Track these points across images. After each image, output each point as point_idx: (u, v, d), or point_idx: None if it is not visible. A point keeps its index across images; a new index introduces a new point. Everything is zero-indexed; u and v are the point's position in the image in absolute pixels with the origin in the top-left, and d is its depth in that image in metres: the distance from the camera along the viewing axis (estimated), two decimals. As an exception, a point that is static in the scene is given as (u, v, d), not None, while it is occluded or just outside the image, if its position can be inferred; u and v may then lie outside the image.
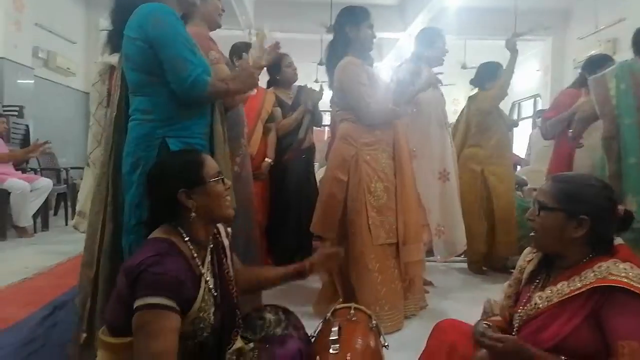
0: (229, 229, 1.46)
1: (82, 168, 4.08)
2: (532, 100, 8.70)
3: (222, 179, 1.31)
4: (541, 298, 1.24)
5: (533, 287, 1.31)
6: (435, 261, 3.38)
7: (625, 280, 1.11)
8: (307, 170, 3.41)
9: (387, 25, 7.55)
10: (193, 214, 1.24)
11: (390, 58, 9.05)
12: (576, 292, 1.16)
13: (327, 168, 2.40)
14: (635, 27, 2.35)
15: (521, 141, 6.22)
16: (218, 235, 1.39)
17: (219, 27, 2.12)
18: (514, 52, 3.17)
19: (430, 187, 2.80)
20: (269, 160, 3.06)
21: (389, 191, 2.25)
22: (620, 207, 1.25)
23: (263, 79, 3.04)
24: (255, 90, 2.87)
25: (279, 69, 3.27)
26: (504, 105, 4.34)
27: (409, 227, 2.30)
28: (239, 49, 2.97)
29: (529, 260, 1.38)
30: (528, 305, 1.27)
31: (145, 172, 1.39)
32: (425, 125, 2.82)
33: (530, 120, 6.79)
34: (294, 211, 3.17)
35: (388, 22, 7.61)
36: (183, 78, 1.43)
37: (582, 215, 1.19)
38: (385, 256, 2.24)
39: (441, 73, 2.63)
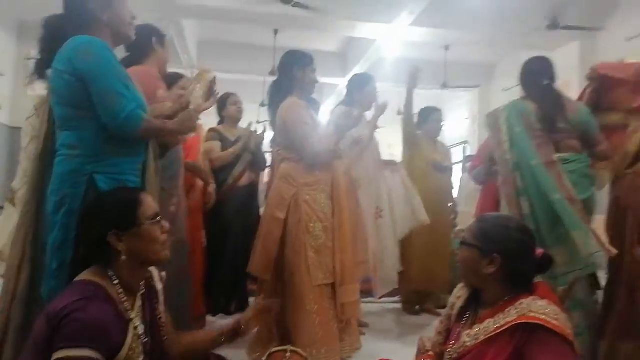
0: (163, 273, 1.41)
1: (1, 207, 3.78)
2: (462, 146, 9.26)
3: (160, 221, 1.27)
4: (469, 336, 1.29)
5: (462, 323, 1.36)
6: (370, 302, 3.40)
7: (544, 317, 1.17)
8: (246, 209, 3.37)
9: (328, 71, 7.84)
10: (123, 257, 1.18)
11: (331, 102, 9.36)
12: (500, 330, 1.22)
13: (265, 207, 2.40)
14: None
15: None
16: (151, 280, 1.33)
17: (166, 73, 2.23)
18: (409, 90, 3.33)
19: (367, 224, 2.87)
20: (213, 185, 2.99)
21: (327, 231, 2.27)
22: (539, 250, 1.34)
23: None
24: (195, 132, 2.85)
25: (224, 106, 3.29)
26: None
27: (346, 268, 2.31)
28: (169, 79, 2.95)
29: (459, 297, 1.44)
30: (457, 343, 1.31)
31: (70, 211, 1.32)
32: (363, 165, 2.93)
33: (461, 165, 7.17)
34: (229, 252, 3.10)
35: (329, 68, 7.90)
36: (116, 112, 1.38)
37: (494, 253, 1.28)
38: (323, 297, 2.23)
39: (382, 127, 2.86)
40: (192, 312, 2.55)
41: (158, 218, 1.26)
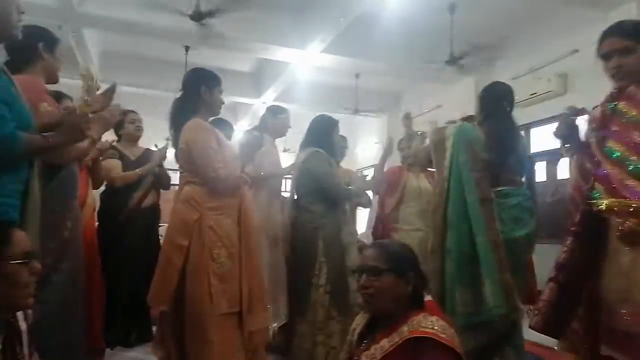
0: (29, 311, 1.25)
1: None
2: (372, 169, 9.65)
3: (31, 262, 1.11)
4: (367, 356, 1.33)
5: (362, 347, 1.39)
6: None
7: (432, 331, 1.25)
8: (149, 231, 3.19)
9: (242, 90, 7.80)
10: None
11: (245, 122, 9.29)
12: (395, 346, 1.27)
13: (166, 232, 2.26)
14: (450, 116, 2.68)
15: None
16: (12, 320, 1.18)
17: (56, 83, 2.00)
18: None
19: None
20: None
21: (233, 258, 2.19)
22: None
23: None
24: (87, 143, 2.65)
25: (122, 125, 3.13)
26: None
27: (254, 294, 2.25)
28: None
29: (358, 324, 1.48)
30: (358, 365, 1.33)
31: None
32: (264, 193, 3.02)
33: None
34: (130, 278, 2.90)
35: (243, 88, 7.87)
36: None
37: (409, 272, 1.35)
38: (226, 326, 2.13)
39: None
40: (87, 346, 2.32)
41: (26, 260, 1.10)
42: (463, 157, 2.18)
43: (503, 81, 2.57)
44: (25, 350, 1.17)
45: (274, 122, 3.22)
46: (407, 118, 3.23)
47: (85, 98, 1.57)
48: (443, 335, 1.24)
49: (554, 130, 1.79)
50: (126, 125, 3.16)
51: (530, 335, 2.35)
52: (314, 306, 2.63)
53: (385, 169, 3.24)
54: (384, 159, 3.15)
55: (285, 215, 3.07)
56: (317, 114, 3.05)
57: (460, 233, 2.14)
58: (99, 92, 2.01)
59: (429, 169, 3.33)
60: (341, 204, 2.81)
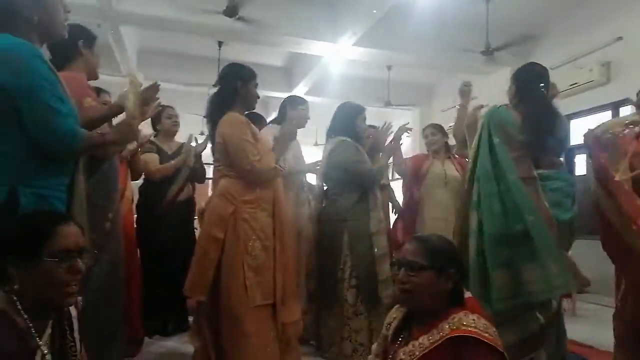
0: (80, 298, 1.30)
1: None
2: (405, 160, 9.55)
3: (73, 260, 1.11)
4: (405, 353, 1.30)
5: (398, 343, 1.37)
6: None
7: (474, 329, 1.22)
8: (185, 224, 3.27)
9: (273, 85, 7.83)
10: (16, 287, 1.07)
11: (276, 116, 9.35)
12: (435, 344, 1.24)
13: (203, 225, 2.30)
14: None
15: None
16: None
17: (96, 79, 2.11)
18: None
19: None
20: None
21: (268, 250, 2.22)
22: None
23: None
24: (135, 143, 2.74)
25: (160, 120, 3.21)
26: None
27: (287, 287, 2.27)
28: None
29: (395, 317, 1.45)
30: (394, 361, 1.32)
31: None
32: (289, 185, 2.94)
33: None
34: (167, 270, 2.98)
35: (275, 82, 7.89)
36: (51, 131, 1.27)
37: (450, 269, 1.31)
38: (261, 318, 2.16)
39: None
40: (126, 336, 2.40)
41: (68, 258, 1.10)
42: (497, 139, 2.10)
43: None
44: (76, 335, 1.22)
45: (293, 113, 3.12)
46: (467, 86, 2.76)
47: (134, 103, 1.62)
48: (486, 334, 1.21)
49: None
50: (164, 121, 3.23)
51: (572, 334, 2.28)
52: (340, 301, 2.63)
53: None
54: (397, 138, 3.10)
55: (311, 207, 3.08)
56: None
57: (491, 214, 2.05)
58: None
59: (456, 156, 3.28)
60: (374, 189, 2.78)
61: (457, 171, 3.16)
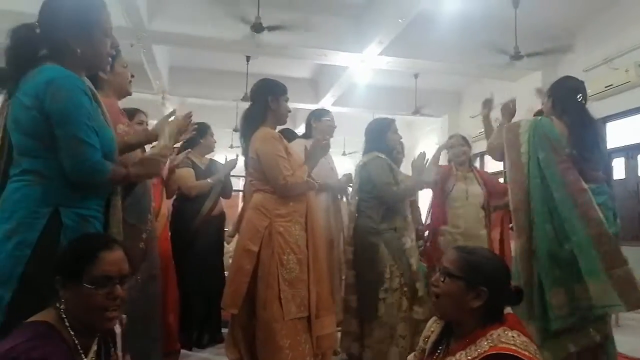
0: (124, 316, 1.34)
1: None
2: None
3: (112, 286, 1.15)
4: (442, 367, 1.28)
5: (435, 357, 1.35)
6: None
7: (514, 347, 1.18)
8: (217, 239, 3.32)
9: (301, 97, 7.92)
10: (62, 307, 1.13)
11: (304, 128, 9.42)
12: None
13: (238, 239, 2.33)
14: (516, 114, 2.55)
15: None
16: None
17: (130, 95, 2.11)
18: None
19: None
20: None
21: (302, 263, 2.23)
22: (513, 283, 1.36)
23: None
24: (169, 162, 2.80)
25: (205, 135, 3.27)
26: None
27: (322, 299, 2.27)
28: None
29: (432, 330, 1.44)
30: (432, 376, 1.30)
31: (23, 242, 1.22)
32: (321, 197, 2.96)
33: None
34: (202, 284, 3.03)
35: (302, 94, 7.98)
36: (78, 162, 1.31)
37: (482, 286, 1.27)
38: (296, 331, 2.17)
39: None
40: (163, 349, 2.45)
41: (108, 285, 1.14)
42: (543, 154, 2.03)
43: (574, 74, 2.42)
44: (119, 352, 1.26)
45: (319, 125, 3.12)
46: (488, 102, 2.86)
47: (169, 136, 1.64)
48: (525, 353, 1.16)
49: None
50: (208, 138, 3.30)
51: (617, 345, 2.19)
52: (387, 310, 2.61)
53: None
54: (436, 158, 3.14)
55: (343, 219, 3.08)
56: (376, 116, 3.01)
57: (544, 233, 2.02)
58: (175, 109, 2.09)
59: (477, 170, 3.22)
60: (401, 211, 2.78)
61: (479, 184, 3.12)
